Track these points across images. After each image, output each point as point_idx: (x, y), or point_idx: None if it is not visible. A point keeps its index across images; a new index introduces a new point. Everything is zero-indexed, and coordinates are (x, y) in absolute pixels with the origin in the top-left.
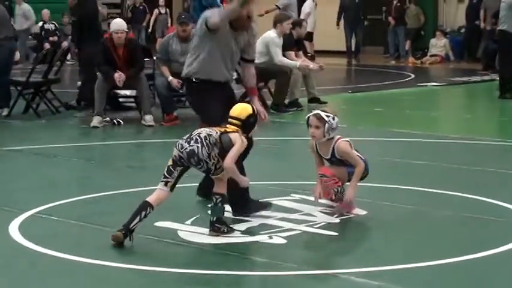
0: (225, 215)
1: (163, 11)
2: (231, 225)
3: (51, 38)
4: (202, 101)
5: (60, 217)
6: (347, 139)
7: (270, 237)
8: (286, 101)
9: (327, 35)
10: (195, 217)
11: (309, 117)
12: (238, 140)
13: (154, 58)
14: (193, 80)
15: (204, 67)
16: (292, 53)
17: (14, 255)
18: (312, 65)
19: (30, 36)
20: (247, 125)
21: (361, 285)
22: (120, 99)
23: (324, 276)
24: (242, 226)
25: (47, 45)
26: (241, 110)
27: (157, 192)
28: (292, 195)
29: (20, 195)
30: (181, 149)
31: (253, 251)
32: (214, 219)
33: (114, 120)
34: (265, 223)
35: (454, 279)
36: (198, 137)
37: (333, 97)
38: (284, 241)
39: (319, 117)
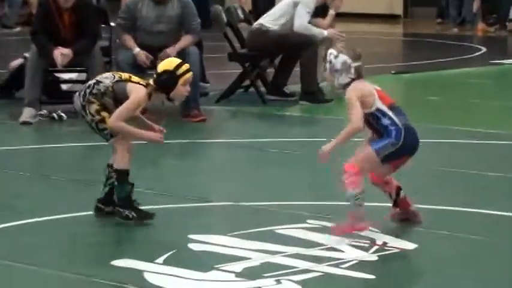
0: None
1: None
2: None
3: None
4: None
5: None
6: (363, 83)
7: (278, 282)
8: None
9: None
10: (169, 253)
11: None
12: (134, 94)
13: (113, 24)
14: None
15: None
16: (320, 20)
17: None
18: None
19: None
20: (159, 81)
21: None
22: (63, 85)
23: None
24: (237, 266)
25: None
26: (164, 62)
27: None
28: (309, 221)
29: None
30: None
31: None
32: (117, 200)
33: (54, 114)
34: (271, 261)
35: None
36: (85, 85)
37: (370, 79)
38: (299, 287)
39: (324, 56)
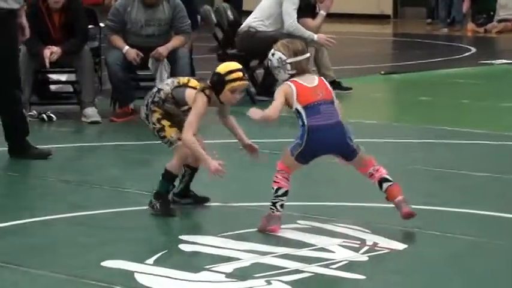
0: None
1: None
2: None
3: None
4: None
5: None
6: (292, 81)
7: (269, 283)
8: None
9: None
10: (159, 253)
11: None
12: (195, 104)
13: (102, 25)
14: None
15: None
16: (309, 20)
17: None
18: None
19: None
20: (211, 80)
21: None
22: (52, 86)
23: None
24: (227, 267)
25: None
26: (223, 64)
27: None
28: (299, 222)
29: None
30: None
31: None
32: (153, 192)
33: (44, 115)
34: (261, 262)
35: None
36: (148, 94)
37: (360, 80)
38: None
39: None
